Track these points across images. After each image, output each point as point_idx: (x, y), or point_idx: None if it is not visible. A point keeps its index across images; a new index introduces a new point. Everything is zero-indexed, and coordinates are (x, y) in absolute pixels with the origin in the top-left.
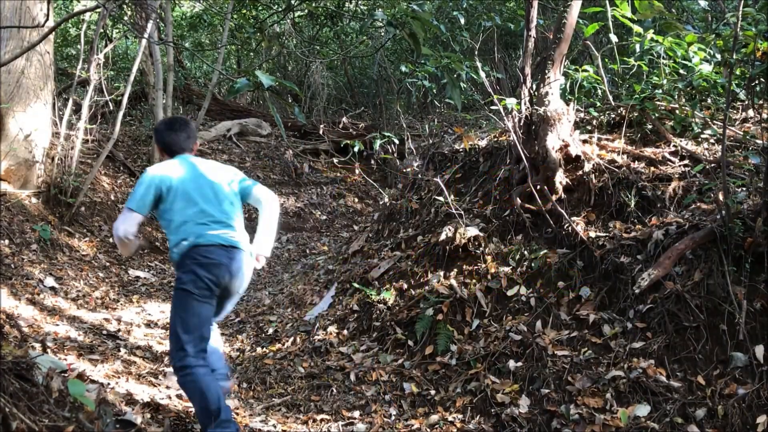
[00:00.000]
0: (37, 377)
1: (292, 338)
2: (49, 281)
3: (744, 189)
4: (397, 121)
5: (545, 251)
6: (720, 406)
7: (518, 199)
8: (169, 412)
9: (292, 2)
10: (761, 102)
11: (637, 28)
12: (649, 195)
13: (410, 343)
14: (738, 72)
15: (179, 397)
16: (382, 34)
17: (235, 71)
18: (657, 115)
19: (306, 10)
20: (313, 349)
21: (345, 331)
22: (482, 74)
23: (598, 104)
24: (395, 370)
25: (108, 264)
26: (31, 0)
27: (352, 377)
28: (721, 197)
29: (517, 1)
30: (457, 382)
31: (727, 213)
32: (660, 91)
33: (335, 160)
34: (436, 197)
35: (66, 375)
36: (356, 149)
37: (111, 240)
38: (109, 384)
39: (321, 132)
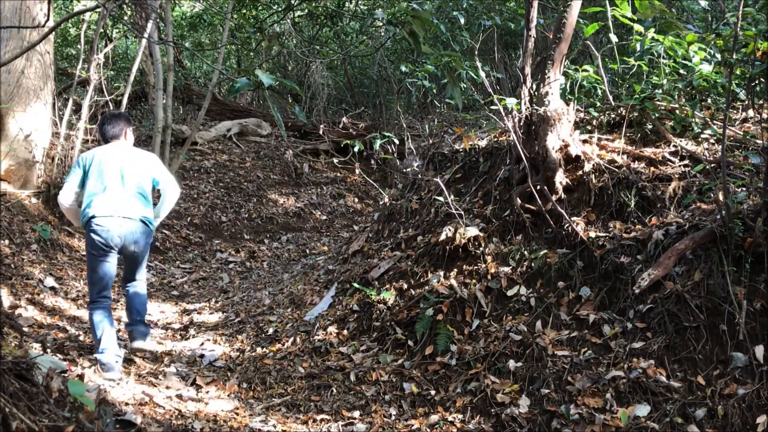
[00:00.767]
0: (37, 377)
1: (292, 338)
2: (49, 281)
3: (744, 189)
4: (397, 121)
5: (545, 251)
6: (720, 406)
7: (518, 199)
8: (169, 412)
9: (292, 2)
10: (761, 102)
11: (638, 27)
12: (649, 195)
13: (410, 343)
14: (738, 72)
15: (179, 397)
16: (382, 34)
17: (235, 71)
18: (657, 115)
19: (306, 10)
20: (313, 349)
21: (345, 331)
22: (482, 74)
23: (598, 104)
24: (395, 370)
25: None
26: (31, 0)
27: (352, 377)
28: (721, 197)
29: (517, 1)
30: (457, 382)
31: (727, 213)
32: (660, 91)
33: (335, 160)
34: (436, 197)
35: (66, 375)
36: (356, 149)
37: None
38: (109, 384)
39: (321, 132)
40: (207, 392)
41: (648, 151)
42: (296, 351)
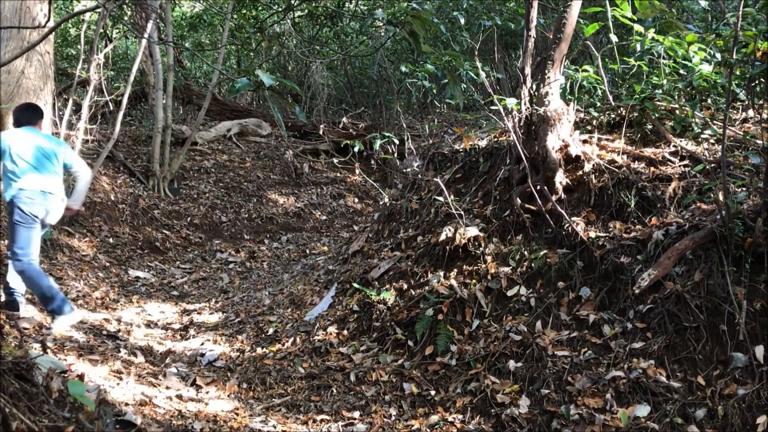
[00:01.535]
0: (37, 377)
1: (292, 338)
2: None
3: (744, 189)
4: (397, 121)
5: (545, 251)
6: (720, 407)
7: (518, 199)
8: (169, 412)
9: (292, 2)
10: (761, 102)
11: (638, 27)
12: (649, 195)
13: (410, 343)
14: (738, 72)
15: (179, 397)
16: (382, 34)
17: (236, 71)
18: (657, 115)
19: (306, 10)
20: (313, 349)
21: (345, 332)
22: (482, 74)
23: (598, 104)
24: (395, 370)
25: (108, 264)
26: (32, 0)
27: (352, 377)
28: (721, 197)
29: (517, 1)
30: (457, 382)
31: (727, 213)
32: (660, 91)
33: (335, 161)
34: (436, 197)
35: (66, 375)
36: (356, 149)
37: (111, 240)
38: (109, 384)
39: (321, 132)
40: (207, 392)
41: (648, 152)
42: (296, 351)
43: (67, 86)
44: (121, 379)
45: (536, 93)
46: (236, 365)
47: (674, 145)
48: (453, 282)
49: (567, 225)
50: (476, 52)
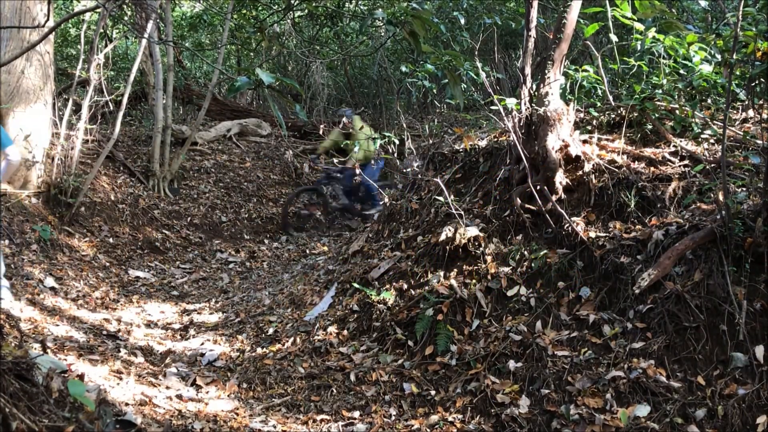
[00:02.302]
0: (37, 377)
1: (292, 338)
2: (49, 281)
3: (744, 189)
4: (397, 121)
5: (545, 251)
6: (720, 407)
7: (518, 199)
8: (169, 412)
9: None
10: (761, 102)
11: (638, 27)
12: (649, 195)
13: (410, 343)
14: (738, 72)
15: (179, 397)
16: (382, 34)
17: (236, 71)
18: (657, 115)
19: (306, 10)
20: (313, 349)
21: (345, 332)
22: (482, 74)
23: (598, 104)
24: (395, 370)
25: (108, 264)
26: (32, 0)
27: (352, 377)
28: (721, 197)
29: (517, 1)
30: (457, 382)
31: (727, 213)
32: (660, 91)
33: (335, 161)
34: (436, 197)
35: (66, 375)
36: (356, 149)
37: (111, 240)
38: (109, 384)
39: (321, 132)
40: (207, 392)
41: (648, 152)
42: (296, 351)
43: (67, 86)
44: (121, 379)
45: (536, 93)
46: (236, 365)
47: (674, 145)
48: (453, 282)
49: (567, 225)
50: (476, 52)
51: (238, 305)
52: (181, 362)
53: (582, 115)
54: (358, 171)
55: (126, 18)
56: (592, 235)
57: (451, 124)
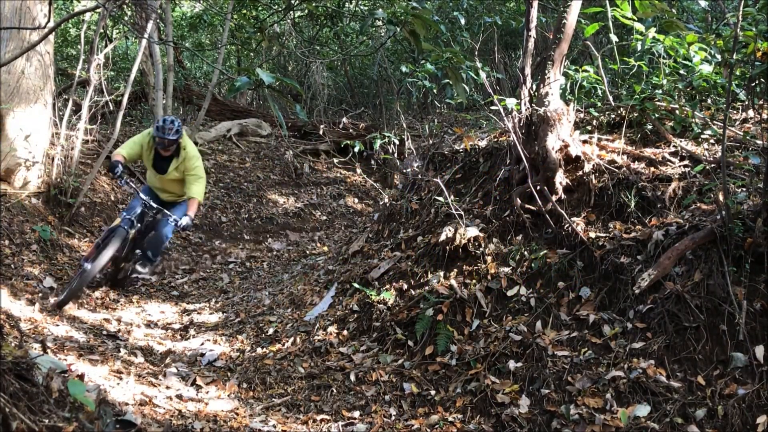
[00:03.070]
0: (37, 377)
1: (292, 338)
2: (49, 281)
3: (744, 189)
4: (397, 121)
5: (545, 251)
6: (720, 407)
7: (518, 199)
8: (169, 411)
9: (292, 2)
10: (761, 102)
11: (638, 27)
12: (649, 195)
13: (410, 343)
14: (738, 72)
15: (179, 397)
16: (382, 34)
17: (236, 71)
18: (657, 115)
19: (306, 11)
20: (313, 349)
21: (345, 332)
22: (482, 74)
23: (598, 104)
24: (395, 370)
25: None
26: (32, 0)
27: (352, 377)
28: (721, 198)
29: (517, 1)
30: (457, 382)
31: (727, 213)
32: (660, 91)
33: (335, 161)
34: (436, 197)
35: (66, 375)
36: (356, 150)
37: None
38: (109, 384)
39: (321, 132)
40: (207, 392)
41: (648, 152)
42: (296, 351)
43: (67, 86)
44: (121, 379)
45: (536, 93)
46: (236, 365)
47: (674, 146)
48: (453, 282)
49: (567, 225)
50: (476, 52)
51: (238, 305)
52: (181, 362)
53: (582, 115)
54: (174, 218)
55: (126, 18)
56: (592, 235)
57: (451, 125)
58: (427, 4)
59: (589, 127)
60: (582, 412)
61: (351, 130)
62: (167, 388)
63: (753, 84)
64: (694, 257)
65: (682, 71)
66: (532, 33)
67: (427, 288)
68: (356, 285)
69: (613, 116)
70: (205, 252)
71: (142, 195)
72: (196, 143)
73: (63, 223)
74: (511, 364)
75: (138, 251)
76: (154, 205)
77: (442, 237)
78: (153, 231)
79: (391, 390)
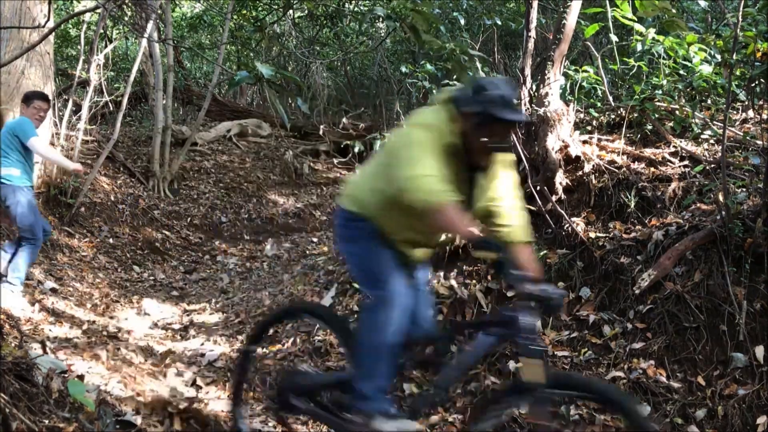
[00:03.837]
0: (37, 378)
1: (292, 339)
2: (49, 282)
3: (744, 190)
4: (398, 121)
5: (545, 252)
6: (720, 407)
7: None
8: (169, 412)
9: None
10: (761, 103)
11: (638, 27)
12: (649, 195)
13: None
14: (738, 73)
15: (180, 397)
16: (382, 35)
17: (236, 65)
18: (657, 115)
19: (306, 10)
20: (314, 349)
21: None
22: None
23: (598, 105)
24: None
25: (108, 264)
26: (32, 0)
27: None
28: (721, 198)
29: (517, 1)
30: (457, 382)
31: (727, 214)
32: (660, 91)
33: (335, 161)
34: None
35: (66, 375)
36: (356, 150)
37: (111, 240)
38: (109, 384)
39: (321, 132)
40: (207, 392)
41: (648, 152)
42: (296, 351)
43: (67, 87)
44: (121, 379)
45: (536, 93)
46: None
47: (674, 146)
48: (453, 282)
49: (567, 225)
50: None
51: (238, 305)
52: (181, 362)
53: (582, 115)
54: None
55: (126, 18)
56: (592, 235)
57: None
58: (427, 4)
59: (589, 128)
60: (582, 412)
61: (351, 131)
62: (167, 388)
63: (753, 84)
64: (694, 257)
65: (682, 72)
66: (532, 33)
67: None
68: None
69: (613, 116)
70: (205, 252)
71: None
72: (195, 144)
73: (63, 223)
74: (511, 364)
75: None
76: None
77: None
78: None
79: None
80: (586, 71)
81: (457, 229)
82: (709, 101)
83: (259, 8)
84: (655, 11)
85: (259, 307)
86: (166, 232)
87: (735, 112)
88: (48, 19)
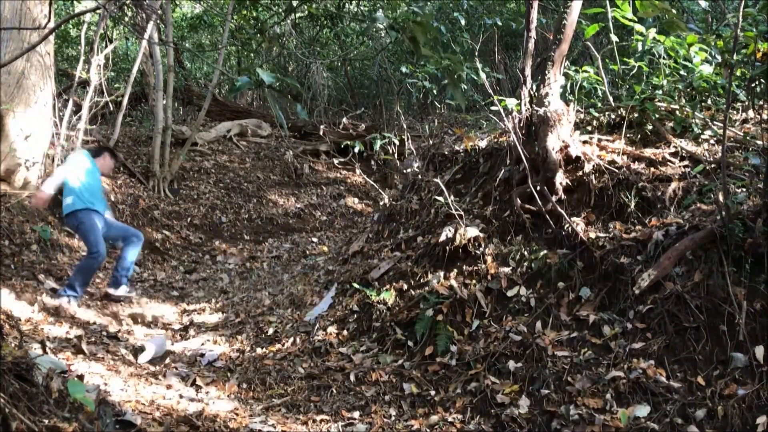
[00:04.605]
0: (37, 377)
1: (291, 339)
2: (49, 282)
3: (744, 190)
4: (398, 121)
5: (545, 252)
6: (720, 407)
7: (518, 199)
8: (169, 411)
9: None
10: (761, 103)
11: (638, 28)
12: (649, 196)
13: (410, 343)
14: (738, 73)
15: (179, 397)
16: (383, 35)
17: (236, 71)
18: (657, 115)
19: (306, 11)
20: (313, 349)
21: (345, 332)
22: (482, 75)
23: (599, 105)
24: (395, 370)
25: (108, 265)
26: (32, 1)
27: (352, 378)
28: (721, 198)
29: (517, 2)
30: (457, 382)
31: (727, 214)
32: (660, 91)
33: (335, 161)
34: (436, 198)
35: (66, 375)
36: (356, 150)
37: (110, 240)
38: (109, 384)
39: (321, 133)
40: (207, 392)
41: (648, 152)
42: (296, 351)
43: (68, 87)
44: (121, 379)
45: (536, 94)
46: (236, 365)
47: (674, 146)
48: (453, 282)
49: (567, 225)
50: (476, 53)
51: (238, 305)
52: (181, 362)
53: (582, 115)
54: None
55: (126, 19)
56: (592, 235)
57: (451, 125)
58: (427, 5)
59: (589, 128)
60: (582, 412)
61: (351, 131)
62: (167, 388)
63: (753, 84)
64: (694, 257)
65: (682, 72)
66: (533, 34)
67: (427, 288)
68: (356, 285)
69: (613, 117)
70: (205, 252)
71: None
72: (195, 144)
73: (63, 223)
74: (511, 365)
75: None
76: None
77: (442, 237)
78: None
79: (390, 390)
80: (586, 71)
81: None
82: (709, 101)
83: (260, 9)
84: (655, 12)
85: (258, 307)
86: (166, 232)
87: (735, 112)
88: (48, 20)
